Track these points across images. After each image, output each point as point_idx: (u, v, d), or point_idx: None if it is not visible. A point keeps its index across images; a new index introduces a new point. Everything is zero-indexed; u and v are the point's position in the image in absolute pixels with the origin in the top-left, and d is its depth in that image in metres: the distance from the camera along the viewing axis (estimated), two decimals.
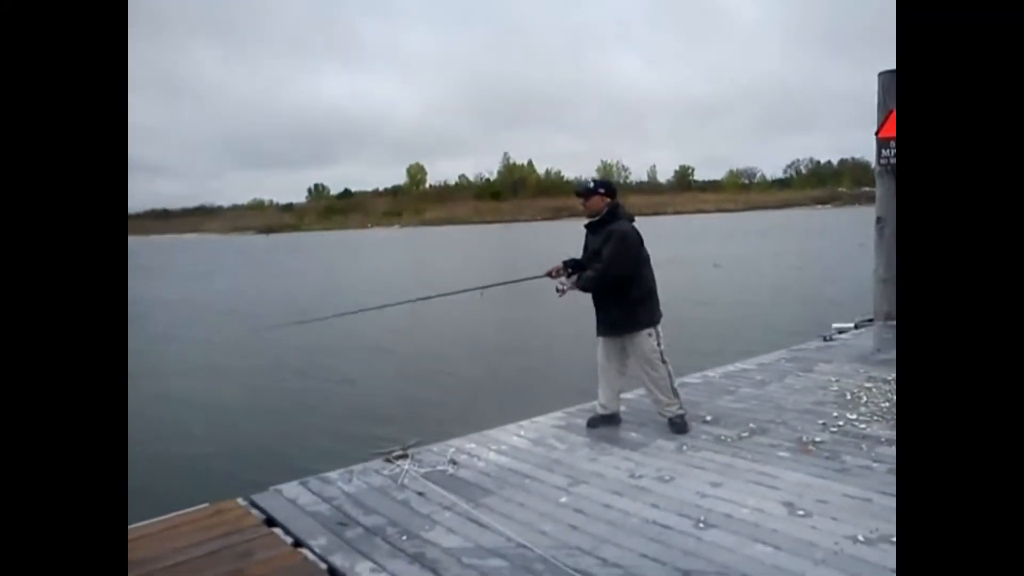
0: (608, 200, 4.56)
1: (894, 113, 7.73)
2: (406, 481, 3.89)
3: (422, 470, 4.03)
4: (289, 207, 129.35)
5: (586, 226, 4.69)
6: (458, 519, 3.40)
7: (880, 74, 7.86)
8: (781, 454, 4.04)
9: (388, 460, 4.19)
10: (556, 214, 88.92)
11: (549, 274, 4.73)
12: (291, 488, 3.87)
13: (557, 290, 4.59)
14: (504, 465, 4.13)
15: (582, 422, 4.79)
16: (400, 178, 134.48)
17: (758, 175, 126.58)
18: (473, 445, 4.48)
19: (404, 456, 4.22)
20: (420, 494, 3.72)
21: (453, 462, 4.16)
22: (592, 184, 4.59)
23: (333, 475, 4.04)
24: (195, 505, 3.62)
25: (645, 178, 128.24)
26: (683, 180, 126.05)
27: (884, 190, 8.05)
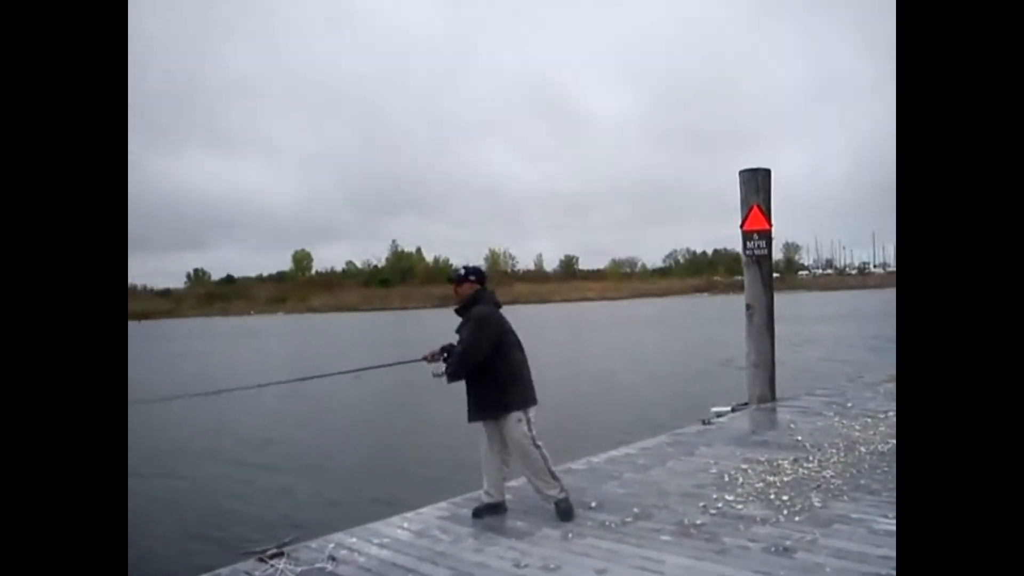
0: (476, 287, 4.64)
1: (755, 208, 8.38)
2: None
3: (299, 568, 3.81)
4: (166, 292, 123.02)
5: (456, 312, 4.73)
6: None
7: (740, 172, 8.54)
8: (664, 538, 4.09)
9: (261, 559, 3.93)
10: (445, 302, 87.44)
11: (425, 358, 4.70)
12: None
13: (434, 375, 4.59)
14: (386, 559, 3.96)
15: (468, 512, 4.69)
16: (285, 264, 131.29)
17: (639, 264, 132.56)
18: (354, 539, 4.29)
19: (279, 554, 3.98)
20: None
21: (332, 558, 3.96)
22: (463, 271, 4.71)
23: None
24: None
25: (532, 267, 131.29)
26: (568, 269, 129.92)
27: (751, 279, 8.61)
